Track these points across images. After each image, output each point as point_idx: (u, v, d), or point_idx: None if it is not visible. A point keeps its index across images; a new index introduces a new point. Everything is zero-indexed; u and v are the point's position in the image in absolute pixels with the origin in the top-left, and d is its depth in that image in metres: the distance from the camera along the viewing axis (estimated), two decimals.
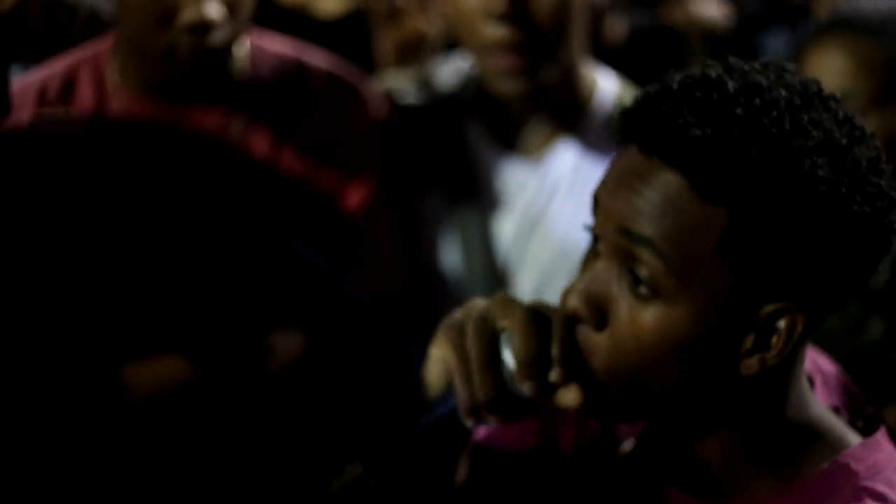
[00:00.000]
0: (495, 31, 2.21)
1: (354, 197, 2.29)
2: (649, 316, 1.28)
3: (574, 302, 1.31)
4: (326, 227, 2.28)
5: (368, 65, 2.42)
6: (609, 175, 1.32)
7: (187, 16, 2.10)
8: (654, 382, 1.30)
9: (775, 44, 2.97)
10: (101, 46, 2.26)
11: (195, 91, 2.22)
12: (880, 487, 1.33)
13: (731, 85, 1.28)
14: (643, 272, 1.28)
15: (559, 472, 1.51)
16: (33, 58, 2.26)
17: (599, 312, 1.31)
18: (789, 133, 1.25)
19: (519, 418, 1.34)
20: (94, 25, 2.31)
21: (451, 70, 2.45)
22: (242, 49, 2.24)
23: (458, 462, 1.43)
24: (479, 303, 1.35)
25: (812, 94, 1.30)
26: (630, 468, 1.45)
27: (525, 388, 1.30)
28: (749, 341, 1.29)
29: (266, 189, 2.24)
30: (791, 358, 1.32)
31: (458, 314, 1.35)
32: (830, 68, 2.29)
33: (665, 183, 1.27)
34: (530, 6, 2.20)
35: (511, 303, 1.32)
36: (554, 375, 1.30)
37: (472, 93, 2.37)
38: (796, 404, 1.36)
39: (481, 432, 1.50)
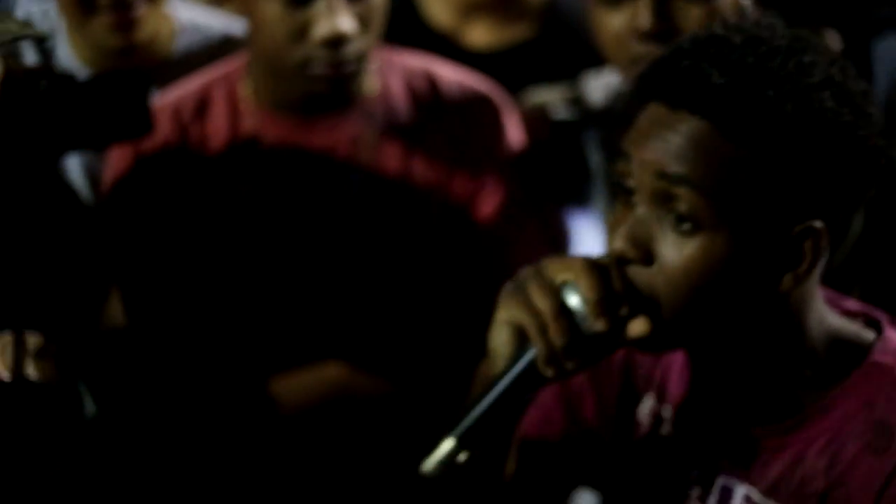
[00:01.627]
0: (643, 49, 2.21)
1: (487, 206, 2.29)
2: (694, 248, 1.41)
3: (621, 244, 1.43)
4: (460, 238, 2.28)
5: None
6: (637, 131, 1.45)
7: (321, 30, 2.13)
8: (705, 306, 1.42)
9: (890, 48, 2.91)
10: (234, 66, 2.30)
11: (327, 106, 2.24)
12: None
13: (736, 38, 1.43)
14: (683, 207, 1.40)
15: (591, 444, 1.64)
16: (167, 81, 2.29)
17: (645, 251, 1.43)
18: (795, 74, 1.41)
19: (594, 361, 1.45)
20: (227, 50, 2.34)
21: (601, 85, 2.46)
22: (373, 62, 2.25)
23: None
24: (530, 268, 1.45)
25: (806, 41, 1.45)
26: (652, 419, 1.59)
27: (599, 324, 1.41)
28: (783, 261, 1.43)
29: (398, 202, 2.26)
30: (813, 274, 1.47)
31: (513, 282, 1.45)
32: None
33: (694, 129, 1.40)
34: (677, 23, 2.19)
35: (565, 258, 1.45)
36: (623, 308, 1.42)
37: (623, 107, 2.36)
38: (821, 316, 1.50)
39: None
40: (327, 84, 2.19)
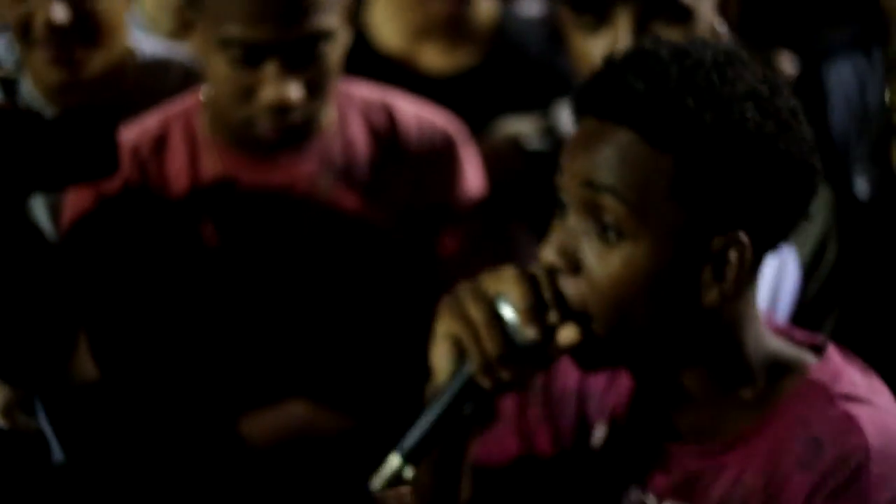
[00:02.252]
0: None
1: (450, 243, 2.29)
2: (617, 256, 1.45)
3: (550, 255, 1.48)
4: (420, 275, 2.28)
5: (472, 124, 2.43)
6: (570, 143, 1.51)
7: (267, 96, 2.12)
8: (632, 317, 1.46)
9: (842, 74, 2.93)
10: (192, 101, 2.28)
11: (282, 146, 2.23)
12: (846, 388, 1.50)
13: (663, 52, 1.48)
14: (608, 217, 1.45)
15: (544, 473, 1.67)
16: (129, 117, 2.27)
17: (573, 261, 1.47)
18: (718, 84, 1.45)
19: (530, 371, 1.49)
20: (189, 83, 2.32)
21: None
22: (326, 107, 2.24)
23: (476, 434, 1.56)
24: (465, 282, 1.50)
25: (734, 55, 1.49)
26: (608, 448, 1.62)
27: (530, 332, 1.45)
28: (707, 273, 1.46)
29: (356, 239, 2.25)
30: (745, 292, 1.50)
31: (451, 295, 1.49)
32: None
33: (619, 138, 1.45)
34: None
35: (498, 270, 1.49)
36: (553, 315, 1.46)
37: None
38: (757, 336, 1.53)
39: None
40: (272, 143, 2.19)
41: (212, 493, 2.19)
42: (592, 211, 1.46)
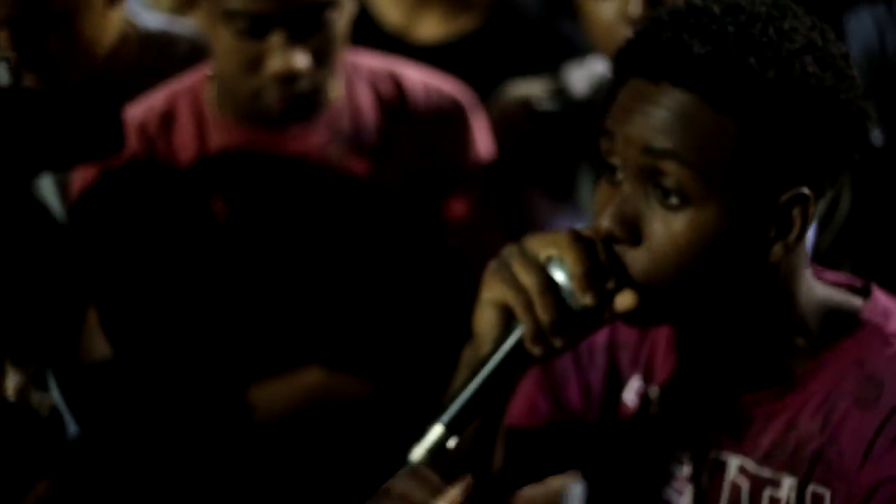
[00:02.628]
0: None
1: (458, 208, 2.28)
2: (682, 222, 1.40)
3: (607, 223, 1.42)
4: (431, 241, 2.27)
5: (473, 89, 2.43)
6: (619, 107, 1.44)
7: (273, 65, 2.11)
8: (694, 280, 1.42)
9: (862, 24, 2.91)
10: (198, 77, 2.27)
11: (291, 119, 2.23)
12: None
13: (715, 8, 1.42)
14: (670, 182, 1.39)
15: (577, 429, 1.64)
16: (135, 92, 2.26)
17: (633, 230, 1.42)
18: (776, 40, 1.40)
19: (582, 337, 1.45)
20: (194, 58, 2.31)
21: (585, 75, 2.44)
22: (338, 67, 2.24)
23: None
24: (513, 246, 1.44)
25: (784, 7, 1.45)
26: (640, 399, 1.59)
27: (586, 299, 1.40)
28: (773, 231, 1.43)
29: (368, 207, 2.25)
30: (801, 243, 1.47)
31: (497, 260, 1.44)
32: None
33: (677, 101, 1.39)
34: None
35: (551, 233, 1.43)
36: (610, 282, 1.41)
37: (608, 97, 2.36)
38: (809, 285, 1.50)
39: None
40: (281, 114, 2.18)
41: (223, 471, 2.19)
42: (653, 177, 1.41)
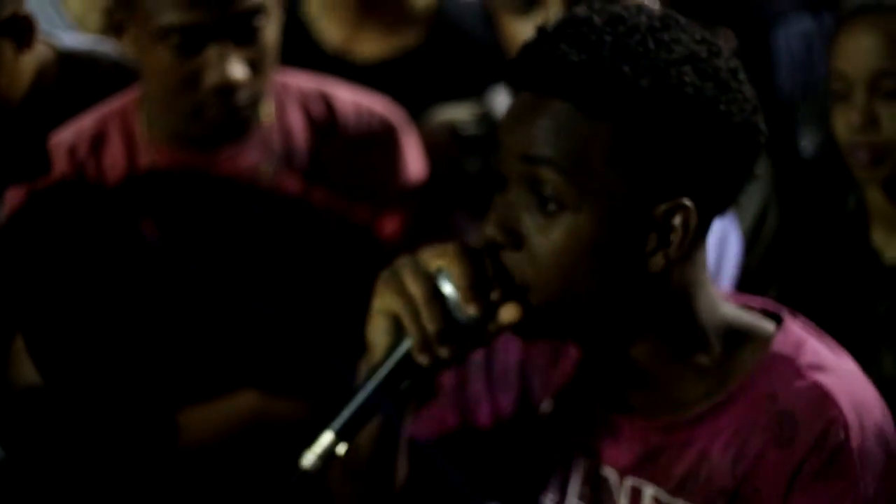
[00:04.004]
0: None
1: (390, 227, 2.29)
2: (559, 228, 1.43)
3: (491, 230, 1.46)
4: (363, 260, 2.27)
5: (413, 106, 2.44)
6: (506, 118, 1.48)
7: (212, 78, 2.11)
8: (576, 289, 1.44)
9: (790, 37, 2.94)
10: (128, 100, 2.27)
11: (223, 139, 2.23)
12: (811, 358, 1.49)
13: (596, 19, 1.45)
14: (547, 189, 1.42)
15: (482, 448, 1.65)
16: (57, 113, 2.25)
17: (514, 235, 1.45)
18: (654, 50, 1.42)
19: (469, 348, 1.47)
20: (119, 77, 2.31)
21: (509, 99, 2.44)
22: (268, 89, 2.24)
23: (412, 410, 1.56)
24: (405, 257, 1.47)
25: (670, 19, 1.47)
26: (553, 423, 1.59)
27: (471, 309, 1.43)
28: (652, 240, 1.44)
29: (300, 227, 2.25)
30: (695, 257, 1.48)
31: (389, 270, 1.47)
32: (865, 49, 2.29)
33: (555, 110, 1.43)
34: None
35: (439, 246, 1.47)
36: (494, 293, 1.44)
37: None
38: (709, 302, 1.50)
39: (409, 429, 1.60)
40: (220, 128, 2.18)
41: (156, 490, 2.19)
42: (531, 184, 1.44)
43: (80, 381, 2.19)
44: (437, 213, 2.36)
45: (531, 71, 1.45)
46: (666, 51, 1.42)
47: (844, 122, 2.34)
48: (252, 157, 2.24)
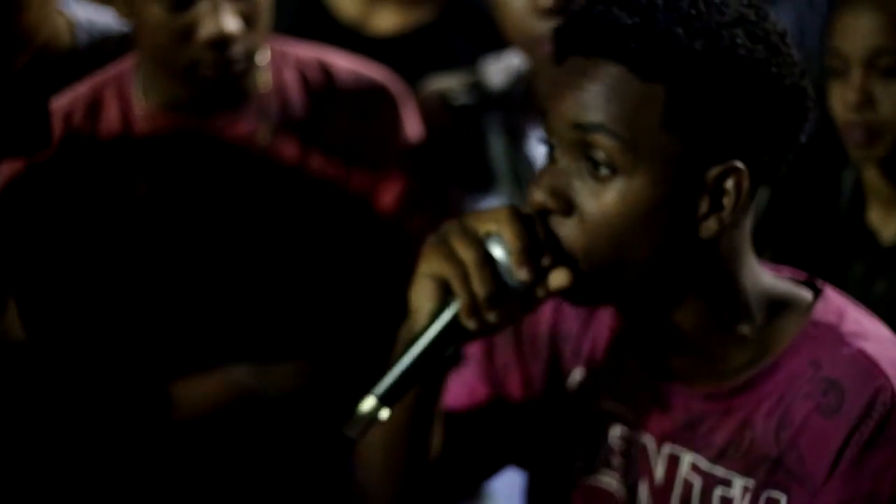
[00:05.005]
0: (544, 26, 2.20)
1: (387, 195, 2.27)
2: (612, 193, 1.42)
3: (540, 196, 1.44)
4: (360, 228, 2.26)
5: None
6: (555, 85, 1.46)
7: (206, 31, 2.10)
8: (627, 254, 1.43)
9: (780, 16, 2.94)
10: (124, 66, 2.26)
11: (220, 103, 2.21)
12: (853, 326, 1.48)
13: None
14: (600, 155, 1.41)
15: (517, 419, 1.65)
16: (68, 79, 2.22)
17: (565, 201, 1.44)
18: (706, 13, 1.42)
19: (518, 314, 1.47)
20: (126, 48, 2.27)
21: (501, 69, 2.45)
22: (264, 57, 2.22)
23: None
24: (452, 221, 1.46)
25: None
26: (587, 389, 1.59)
27: (522, 274, 1.42)
28: (704, 204, 1.44)
29: (297, 194, 2.24)
30: (742, 223, 1.47)
31: (436, 234, 1.46)
32: (862, 27, 2.29)
33: (607, 74, 1.42)
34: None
35: (491, 210, 1.46)
36: (545, 259, 1.43)
37: (524, 89, 2.36)
38: (754, 272, 1.50)
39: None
40: (216, 85, 2.16)
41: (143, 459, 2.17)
42: (584, 150, 1.43)
43: (72, 348, 2.16)
44: (433, 181, 2.34)
45: (583, 35, 1.43)
46: (718, 13, 1.42)
47: (841, 101, 2.34)
48: (249, 124, 2.23)
